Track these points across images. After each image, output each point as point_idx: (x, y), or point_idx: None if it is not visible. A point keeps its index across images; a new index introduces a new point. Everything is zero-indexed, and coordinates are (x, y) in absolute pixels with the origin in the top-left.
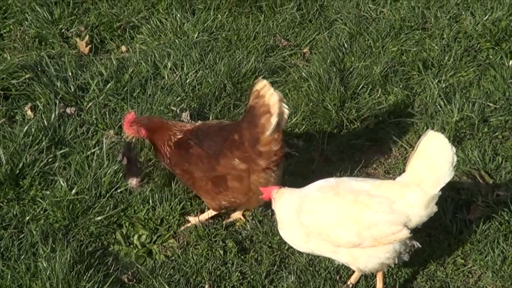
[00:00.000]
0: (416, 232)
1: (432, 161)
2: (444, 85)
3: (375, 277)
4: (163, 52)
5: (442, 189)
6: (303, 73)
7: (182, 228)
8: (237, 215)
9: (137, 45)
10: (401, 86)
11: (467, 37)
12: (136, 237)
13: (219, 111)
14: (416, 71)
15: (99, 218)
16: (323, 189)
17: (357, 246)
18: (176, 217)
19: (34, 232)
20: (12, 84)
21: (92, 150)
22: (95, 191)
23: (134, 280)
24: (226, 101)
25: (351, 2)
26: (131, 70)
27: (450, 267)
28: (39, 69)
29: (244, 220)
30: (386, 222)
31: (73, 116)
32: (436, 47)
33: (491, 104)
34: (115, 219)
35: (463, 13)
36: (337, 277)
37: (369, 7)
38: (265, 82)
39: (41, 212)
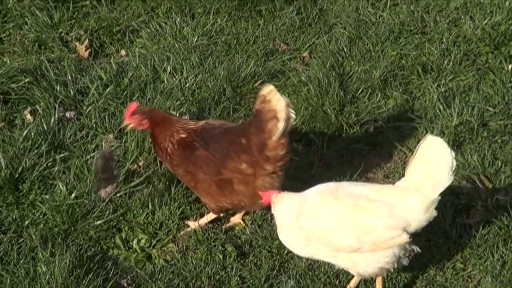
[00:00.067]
0: (416, 236)
1: (432, 166)
2: (443, 89)
3: (375, 281)
4: (162, 56)
5: (442, 194)
6: (302, 77)
7: (182, 232)
8: (236, 219)
9: (137, 49)
10: (400, 90)
11: (466, 41)
12: (135, 241)
13: (219, 115)
14: (416, 75)
15: (98, 222)
16: (323, 194)
17: (356, 251)
18: (176, 222)
19: (34, 236)
20: (12, 88)
21: (92, 154)
22: (95, 195)
23: (134, 285)
24: (225, 105)
25: (350, 6)
26: (130, 74)
27: (449, 271)
28: (39, 73)
29: (244, 224)
30: (385, 226)
31: (73, 120)
32: (435, 51)
33: (490, 108)
34: (115, 224)
35: (463, 17)
36: (337, 282)
37: (369, 11)
38: (271, 87)
39: (41, 216)
